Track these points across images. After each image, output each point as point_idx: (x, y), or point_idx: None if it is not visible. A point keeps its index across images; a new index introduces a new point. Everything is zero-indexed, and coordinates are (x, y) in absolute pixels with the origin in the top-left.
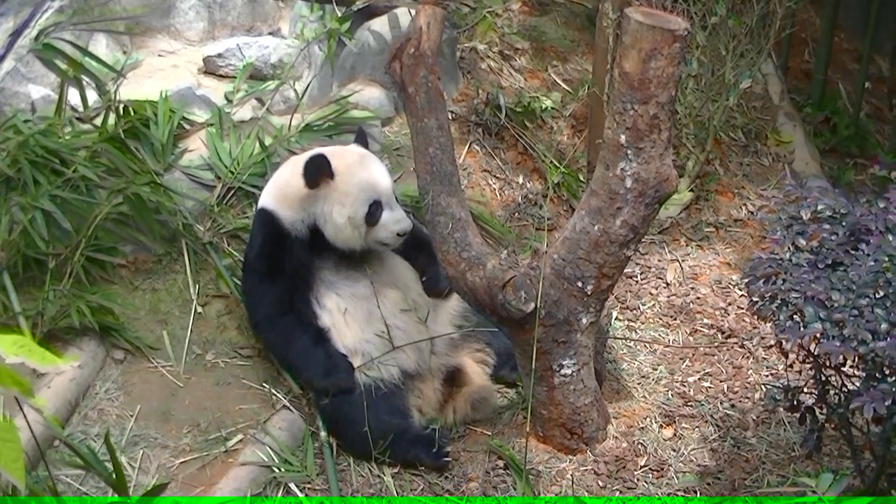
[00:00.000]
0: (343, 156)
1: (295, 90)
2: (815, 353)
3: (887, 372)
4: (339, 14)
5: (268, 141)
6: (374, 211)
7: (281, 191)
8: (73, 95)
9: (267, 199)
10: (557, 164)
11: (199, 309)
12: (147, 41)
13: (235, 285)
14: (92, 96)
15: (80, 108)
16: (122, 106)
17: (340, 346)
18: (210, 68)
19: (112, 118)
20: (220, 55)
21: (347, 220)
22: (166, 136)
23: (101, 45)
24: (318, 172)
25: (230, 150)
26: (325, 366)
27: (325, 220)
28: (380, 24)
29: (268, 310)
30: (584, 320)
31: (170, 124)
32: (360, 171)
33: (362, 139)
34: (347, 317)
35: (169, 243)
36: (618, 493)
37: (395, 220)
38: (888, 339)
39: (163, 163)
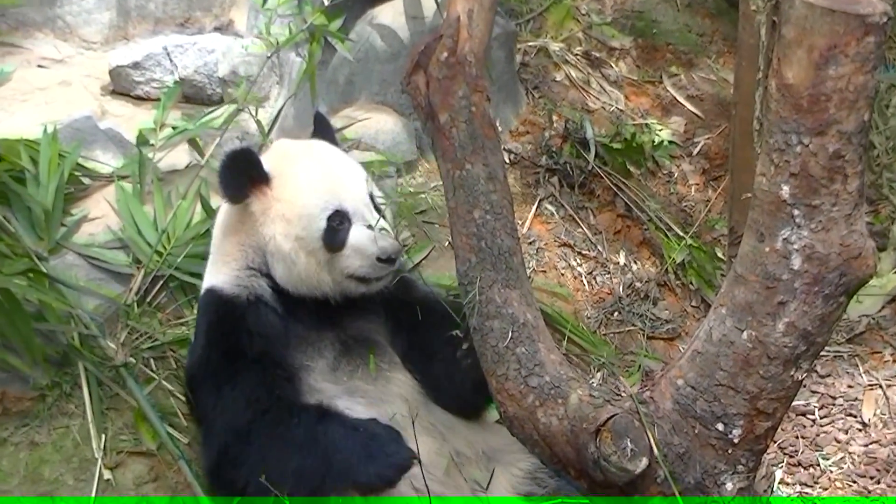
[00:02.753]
0: (285, 150)
1: (258, 121)
2: None
3: None
4: (327, 3)
5: (215, 202)
6: (335, 226)
7: (217, 247)
8: None
9: (208, 277)
10: (681, 234)
11: (108, 475)
12: (21, 45)
13: (167, 433)
14: None
15: None
16: None
17: None
18: (121, 86)
19: None
20: (136, 64)
21: (297, 245)
22: (53, 197)
23: None
24: (240, 176)
25: (155, 217)
26: (361, 445)
27: (271, 252)
28: (391, 13)
29: (240, 417)
30: (730, 485)
31: (58, 177)
32: (311, 166)
33: (323, 128)
34: None
35: (58, 369)
36: None
37: (368, 239)
38: None
39: (48, 240)
